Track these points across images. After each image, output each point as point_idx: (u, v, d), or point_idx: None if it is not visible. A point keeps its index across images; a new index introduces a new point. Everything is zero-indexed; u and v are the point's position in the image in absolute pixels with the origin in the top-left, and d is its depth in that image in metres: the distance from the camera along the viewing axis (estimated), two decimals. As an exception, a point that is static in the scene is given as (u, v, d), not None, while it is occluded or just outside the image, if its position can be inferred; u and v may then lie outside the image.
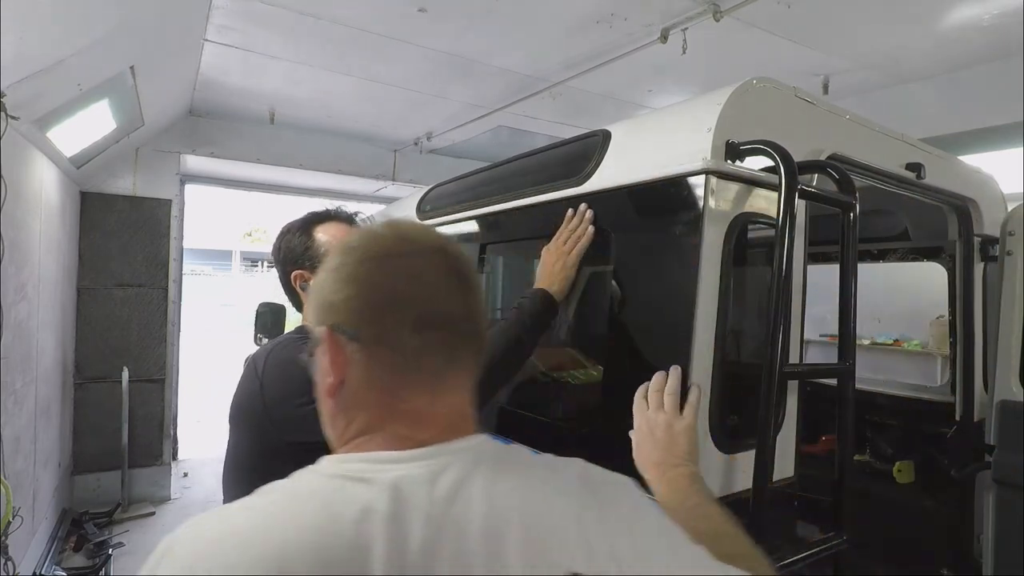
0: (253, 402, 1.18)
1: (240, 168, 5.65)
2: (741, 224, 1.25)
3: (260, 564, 0.50)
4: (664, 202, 1.29)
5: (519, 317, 1.27)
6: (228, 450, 1.25)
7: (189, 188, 5.74)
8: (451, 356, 0.65)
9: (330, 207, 1.46)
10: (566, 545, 0.57)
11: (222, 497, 1.22)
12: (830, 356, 1.85)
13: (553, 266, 1.36)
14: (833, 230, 1.34)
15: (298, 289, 1.38)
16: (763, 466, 1.10)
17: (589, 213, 1.39)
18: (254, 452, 1.19)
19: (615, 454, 1.29)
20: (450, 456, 0.60)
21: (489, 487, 0.59)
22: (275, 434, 1.15)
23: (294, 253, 1.39)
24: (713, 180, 1.19)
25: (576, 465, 0.70)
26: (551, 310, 1.32)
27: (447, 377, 0.65)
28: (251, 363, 1.25)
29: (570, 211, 1.42)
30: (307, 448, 1.12)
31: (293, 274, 1.38)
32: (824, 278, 1.64)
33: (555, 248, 1.39)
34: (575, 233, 1.39)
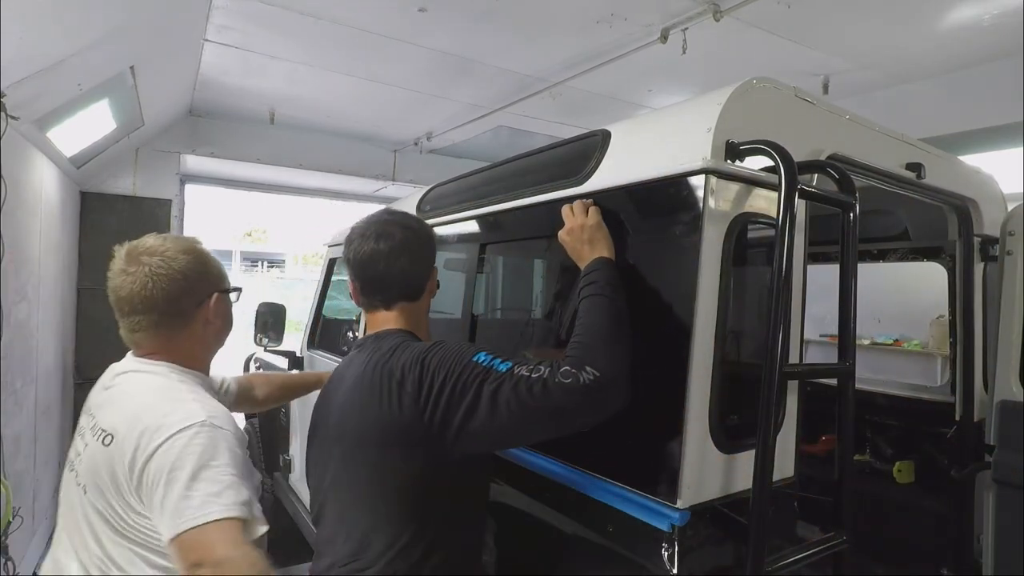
0: (405, 420, 1.12)
1: (240, 168, 5.65)
2: (741, 224, 1.25)
3: None
4: (664, 202, 1.29)
5: (603, 291, 1.19)
6: (363, 476, 1.19)
7: (189, 188, 5.74)
8: (129, 332, 1.20)
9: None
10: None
11: (358, 530, 1.17)
12: (830, 356, 1.85)
13: (583, 234, 1.30)
14: (833, 230, 1.34)
15: (433, 285, 1.40)
16: (763, 466, 1.10)
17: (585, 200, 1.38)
18: (414, 474, 1.14)
19: (615, 453, 1.30)
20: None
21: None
22: (438, 450, 1.11)
23: (434, 250, 1.41)
24: (713, 180, 1.19)
25: None
26: (618, 272, 1.25)
27: (133, 342, 1.22)
28: (385, 377, 1.16)
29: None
30: (478, 461, 1.22)
31: (434, 269, 1.39)
32: (824, 278, 1.64)
33: (571, 226, 1.33)
34: (575, 207, 1.36)
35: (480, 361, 1.11)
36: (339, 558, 1.18)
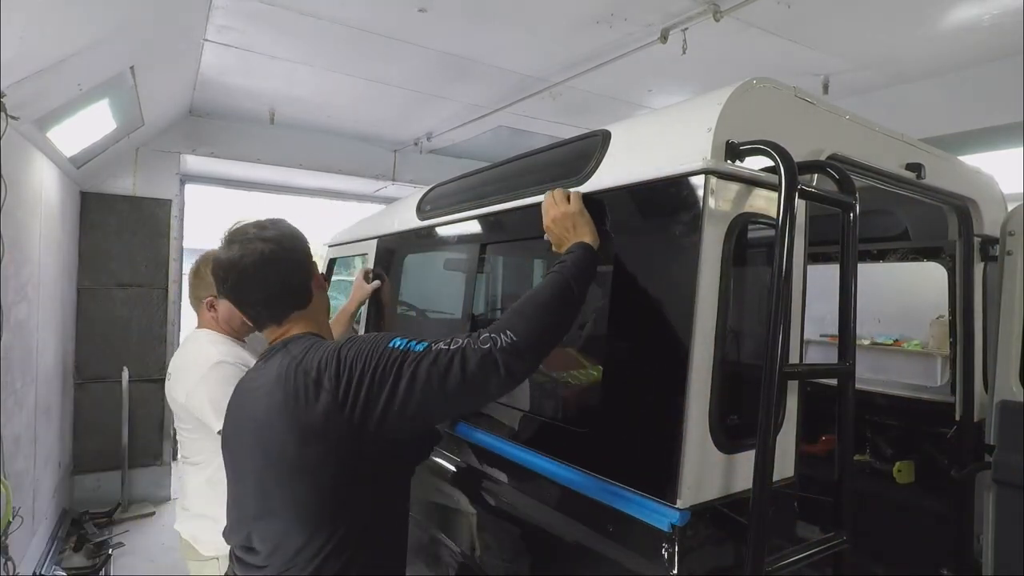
0: (324, 416, 1.08)
1: (240, 168, 5.65)
2: (741, 224, 1.25)
3: None
4: (664, 202, 1.29)
5: (561, 269, 1.21)
6: (287, 482, 1.13)
7: (189, 188, 5.74)
8: None
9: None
10: None
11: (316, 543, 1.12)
12: (830, 356, 1.85)
13: (567, 221, 1.32)
14: (833, 230, 1.34)
15: (321, 281, 1.36)
16: (763, 466, 1.10)
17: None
18: (336, 471, 1.11)
19: (615, 453, 1.30)
20: None
21: None
22: (360, 444, 1.09)
23: (305, 248, 1.34)
24: (713, 180, 1.19)
25: None
26: (592, 259, 1.26)
27: None
28: (300, 378, 1.12)
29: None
30: (399, 454, 1.22)
31: (314, 265, 1.35)
32: (824, 278, 1.64)
33: (555, 215, 1.35)
34: (556, 195, 1.38)
35: (397, 346, 1.10)
36: (273, 571, 1.15)
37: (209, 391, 1.71)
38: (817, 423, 2.52)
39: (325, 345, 1.18)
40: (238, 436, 1.27)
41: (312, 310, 1.31)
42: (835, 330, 1.37)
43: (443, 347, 1.08)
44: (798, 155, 1.23)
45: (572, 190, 1.40)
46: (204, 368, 1.75)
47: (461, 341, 1.08)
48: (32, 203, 3.20)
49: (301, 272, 1.29)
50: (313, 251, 1.38)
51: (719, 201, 1.21)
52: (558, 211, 1.35)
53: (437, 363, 1.06)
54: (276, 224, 1.30)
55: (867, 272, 2.35)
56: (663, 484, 1.16)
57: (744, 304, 1.35)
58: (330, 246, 3.47)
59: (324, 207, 7.16)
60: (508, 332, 1.07)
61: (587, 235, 1.30)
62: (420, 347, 1.09)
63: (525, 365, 1.10)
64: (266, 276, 1.23)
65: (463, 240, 2.13)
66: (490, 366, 1.05)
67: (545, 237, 1.41)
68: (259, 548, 1.19)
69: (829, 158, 1.41)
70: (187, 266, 2.09)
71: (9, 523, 2.61)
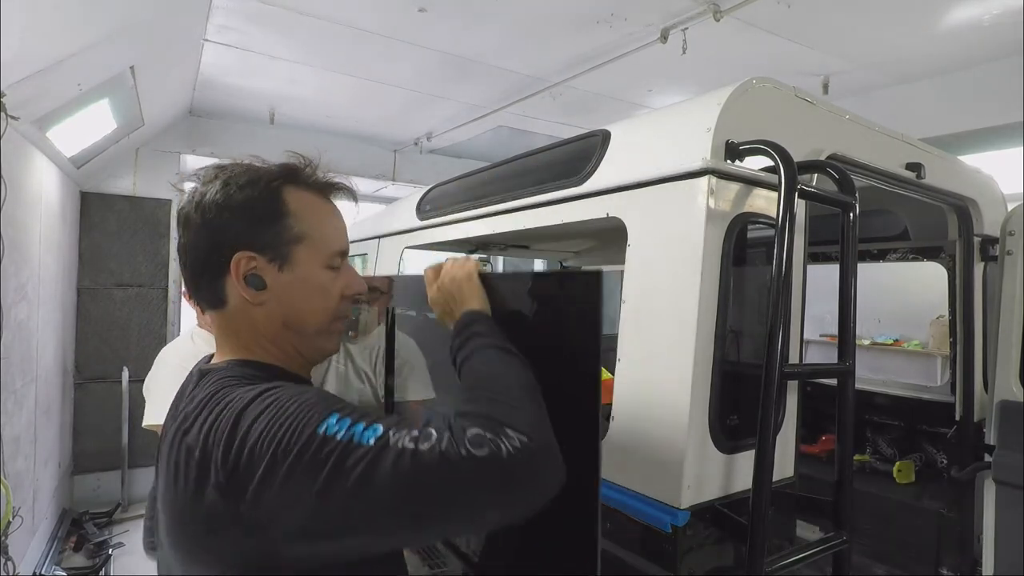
0: (210, 526, 0.69)
1: (240, 168, 5.65)
2: (741, 224, 1.25)
3: None
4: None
5: (498, 343, 0.88)
6: None
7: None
8: None
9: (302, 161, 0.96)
10: None
11: None
12: (830, 356, 1.85)
13: (453, 287, 1.01)
14: (833, 230, 1.34)
15: (240, 281, 0.83)
16: (763, 466, 1.10)
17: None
18: None
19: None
20: None
21: None
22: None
23: (246, 218, 0.86)
24: (713, 180, 1.19)
25: None
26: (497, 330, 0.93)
27: None
28: (182, 456, 0.72)
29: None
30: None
31: (236, 257, 0.83)
32: (824, 278, 1.64)
33: (445, 278, 1.04)
34: (431, 271, 1.08)
35: (332, 432, 0.65)
36: None
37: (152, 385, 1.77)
38: (817, 423, 2.52)
39: (227, 401, 0.73)
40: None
41: (236, 319, 0.85)
42: (835, 330, 1.37)
43: (408, 445, 0.64)
44: (798, 155, 1.23)
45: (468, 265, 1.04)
46: (157, 362, 1.82)
47: (435, 435, 0.65)
48: (32, 203, 3.20)
49: (211, 256, 0.85)
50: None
51: (719, 201, 1.21)
52: (448, 275, 1.03)
53: (399, 469, 0.63)
54: (210, 175, 0.91)
55: (867, 272, 2.35)
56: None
57: (744, 304, 1.35)
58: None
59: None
60: (512, 432, 0.67)
61: (478, 303, 0.98)
62: (370, 435, 0.65)
63: (557, 469, 0.70)
64: (192, 226, 0.88)
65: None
66: (506, 478, 0.66)
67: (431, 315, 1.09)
68: None
69: (829, 158, 1.41)
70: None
71: (9, 523, 2.61)
